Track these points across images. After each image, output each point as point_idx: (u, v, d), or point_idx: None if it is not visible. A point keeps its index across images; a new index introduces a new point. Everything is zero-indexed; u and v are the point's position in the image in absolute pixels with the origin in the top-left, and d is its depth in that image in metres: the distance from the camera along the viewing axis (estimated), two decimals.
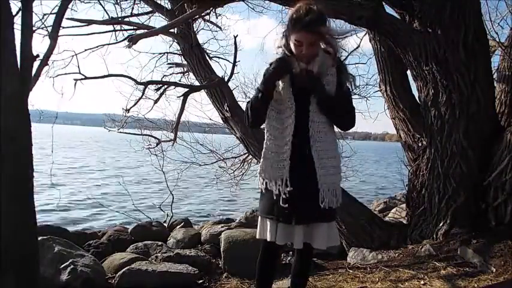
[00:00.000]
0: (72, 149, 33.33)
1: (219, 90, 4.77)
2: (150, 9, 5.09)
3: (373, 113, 7.72)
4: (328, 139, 1.91)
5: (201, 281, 3.44)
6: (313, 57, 1.87)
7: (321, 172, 1.87)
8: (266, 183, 1.92)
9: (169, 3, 4.78)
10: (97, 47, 5.18)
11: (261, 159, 1.97)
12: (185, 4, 4.13)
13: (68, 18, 4.07)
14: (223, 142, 7.00)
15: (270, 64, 1.94)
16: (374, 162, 32.18)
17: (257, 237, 2.06)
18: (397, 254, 3.65)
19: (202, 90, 5.03)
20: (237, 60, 4.86)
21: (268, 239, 1.95)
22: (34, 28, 2.50)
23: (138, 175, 16.93)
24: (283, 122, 1.90)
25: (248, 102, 2.01)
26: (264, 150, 1.95)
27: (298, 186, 1.86)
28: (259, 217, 2.04)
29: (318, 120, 1.89)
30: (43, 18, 3.92)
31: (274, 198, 1.89)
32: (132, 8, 5.06)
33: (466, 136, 3.61)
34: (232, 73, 4.90)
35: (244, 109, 2.13)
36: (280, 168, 1.88)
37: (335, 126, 2.03)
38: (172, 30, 4.77)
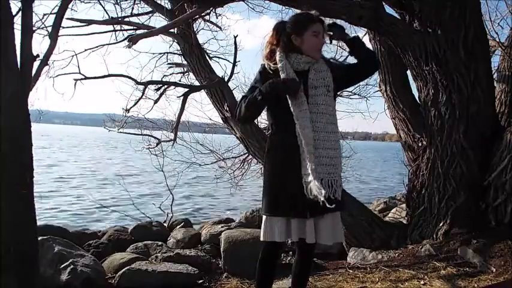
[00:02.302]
0: (71, 149, 33.34)
1: (219, 90, 4.77)
2: (150, 9, 5.08)
3: (373, 113, 7.73)
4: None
5: (201, 281, 3.43)
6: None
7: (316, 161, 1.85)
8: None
9: (169, 3, 4.77)
10: (97, 47, 5.18)
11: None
12: (185, 4, 4.13)
13: (68, 18, 4.06)
14: (223, 142, 6.99)
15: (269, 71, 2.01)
16: (374, 162, 32.18)
17: (262, 239, 1.98)
18: (397, 254, 3.65)
19: (202, 90, 5.02)
20: (237, 60, 4.86)
21: (278, 240, 1.92)
22: (34, 28, 2.50)
23: (138, 175, 16.92)
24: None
25: (244, 97, 2.00)
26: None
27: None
28: (264, 217, 1.98)
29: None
30: (43, 18, 3.91)
31: (282, 194, 1.89)
32: (132, 8, 5.05)
33: (466, 136, 3.61)
34: (232, 73, 4.90)
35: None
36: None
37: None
38: (172, 30, 4.77)
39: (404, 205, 5.19)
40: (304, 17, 2.02)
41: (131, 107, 5.25)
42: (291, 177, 1.89)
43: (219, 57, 5.65)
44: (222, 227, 5.80)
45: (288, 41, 1.99)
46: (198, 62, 4.90)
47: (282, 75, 1.93)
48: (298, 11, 2.43)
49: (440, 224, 3.67)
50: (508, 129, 3.59)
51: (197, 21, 5.12)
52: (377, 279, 2.93)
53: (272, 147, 2.04)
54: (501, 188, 3.43)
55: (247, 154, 5.94)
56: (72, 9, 4.36)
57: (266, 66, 2.02)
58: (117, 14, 4.92)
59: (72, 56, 4.88)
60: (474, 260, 3.03)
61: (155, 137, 6.05)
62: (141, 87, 5.15)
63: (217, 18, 5.47)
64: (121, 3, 4.95)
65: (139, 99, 5.22)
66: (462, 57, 3.56)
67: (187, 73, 5.58)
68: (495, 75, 4.09)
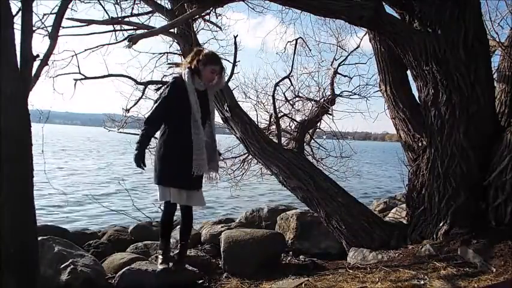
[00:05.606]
0: (71, 149, 33.34)
1: (219, 90, 4.76)
2: (150, 9, 5.07)
3: (373, 113, 7.68)
4: None
5: (201, 281, 3.43)
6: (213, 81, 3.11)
7: None
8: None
9: (169, 3, 4.77)
10: (97, 47, 5.16)
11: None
12: (185, 4, 4.13)
13: (68, 18, 4.05)
14: (223, 142, 6.98)
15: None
16: (374, 162, 32.16)
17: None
18: (397, 254, 3.65)
19: None
20: (237, 60, 4.85)
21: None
22: (34, 28, 2.50)
23: (138, 175, 16.90)
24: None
25: (156, 108, 3.16)
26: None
27: None
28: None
29: None
30: (43, 18, 3.90)
31: None
32: (132, 8, 5.04)
33: (466, 136, 3.61)
34: (232, 73, 4.89)
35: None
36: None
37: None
38: (172, 30, 4.76)
39: (404, 205, 5.19)
40: (210, 56, 3.08)
41: (131, 107, 5.26)
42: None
43: None
44: (222, 227, 5.81)
45: (196, 66, 3.02)
46: None
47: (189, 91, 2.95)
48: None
49: (440, 224, 3.67)
50: (508, 129, 3.59)
51: (197, 21, 5.11)
52: (377, 279, 2.92)
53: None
54: (501, 188, 3.43)
55: (247, 154, 5.93)
56: (72, 9, 4.34)
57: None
58: (117, 14, 4.91)
59: (72, 56, 4.88)
60: (474, 260, 3.03)
61: (155, 137, 6.03)
62: (141, 87, 5.16)
63: (217, 18, 5.47)
64: (121, 3, 4.94)
65: (139, 99, 5.23)
66: (462, 57, 3.56)
67: None
68: (495, 75, 4.08)
